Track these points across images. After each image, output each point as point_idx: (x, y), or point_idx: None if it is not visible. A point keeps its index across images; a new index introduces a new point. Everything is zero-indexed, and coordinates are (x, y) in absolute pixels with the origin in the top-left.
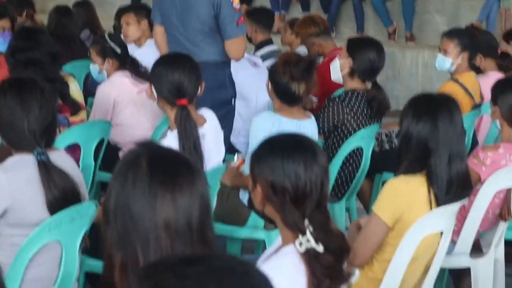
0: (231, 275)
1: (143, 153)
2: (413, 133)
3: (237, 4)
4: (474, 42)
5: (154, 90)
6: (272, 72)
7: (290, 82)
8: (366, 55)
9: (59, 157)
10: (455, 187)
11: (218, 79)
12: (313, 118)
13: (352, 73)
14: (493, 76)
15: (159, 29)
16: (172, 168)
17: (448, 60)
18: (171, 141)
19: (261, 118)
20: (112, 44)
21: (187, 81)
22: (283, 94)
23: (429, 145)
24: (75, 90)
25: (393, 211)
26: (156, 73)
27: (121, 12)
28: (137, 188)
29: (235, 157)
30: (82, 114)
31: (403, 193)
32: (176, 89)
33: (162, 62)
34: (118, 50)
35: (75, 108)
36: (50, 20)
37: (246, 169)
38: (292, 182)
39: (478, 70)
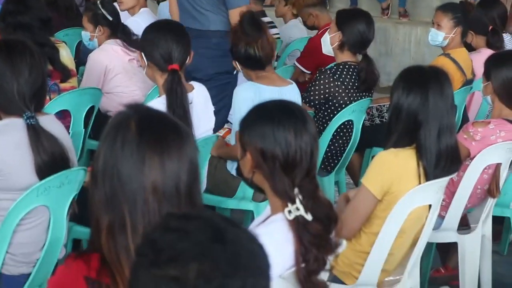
0: (229, 228)
1: (132, 116)
2: (403, 106)
3: None
4: (466, 18)
5: (144, 57)
6: (232, 46)
7: (248, 47)
8: (356, 27)
9: (49, 122)
10: (444, 161)
11: (221, 48)
12: (294, 84)
13: (342, 46)
14: (485, 53)
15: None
16: (161, 131)
17: (441, 34)
18: (158, 106)
19: (242, 88)
20: (104, 12)
21: (179, 47)
22: (248, 61)
23: (419, 118)
24: (66, 57)
25: (381, 183)
26: (147, 39)
27: None
28: (125, 150)
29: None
30: (73, 81)
31: (392, 165)
32: (167, 54)
33: (154, 28)
34: (110, 18)
35: (65, 74)
36: None
37: (232, 139)
38: (283, 149)
39: (469, 48)
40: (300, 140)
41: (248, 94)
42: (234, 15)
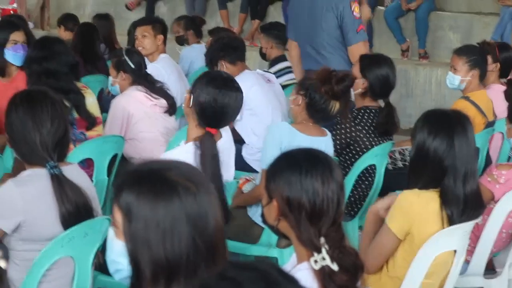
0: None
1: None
2: (428, 149)
3: (357, 13)
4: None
5: (192, 99)
6: (309, 88)
7: (328, 101)
8: (380, 74)
9: (72, 171)
10: (468, 206)
11: None
12: (329, 135)
13: (365, 93)
14: (495, 88)
15: (293, 44)
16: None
17: (457, 78)
18: (184, 153)
19: (276, 128)
20: (127, 58)
21: (228, 117)
22: (317, 111)
23: (445, 163)
24: (92, 103)
25: (403, 223)
26: (204, 90)
27: (137, 24)
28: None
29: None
30: (99, 129)
31: (414, 206)
32: (214, 119)
33: (215, 81)
34: (132, 65)
35: (90, 121)
36: (76, 34)
37: (249, 187)
38: (309, 198)
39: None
40: (327, 189)
41: (280, 134)
42: (352, 52)
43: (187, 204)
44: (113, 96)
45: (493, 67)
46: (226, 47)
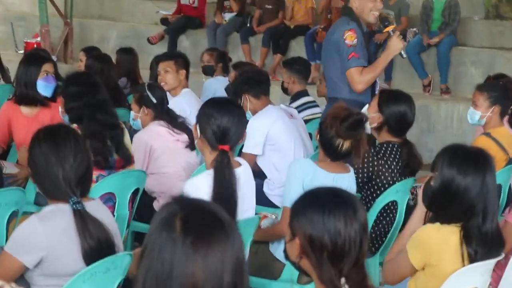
0: None
1: (178, 213)
2: (458, 188)
3: (349, 41)
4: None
5: (198, 129)
6: (321, 123)
7: (335, 138)
8: (396, 110)
9: (95, 207)
10: (489, 243)
11: None
12: (352, 172)
13: (380, 128)
14: None
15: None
16: (206, 225)
17: (477, 114)
18: (205, 178)
19: (298, 164)
20: (149, 94)
21: (234, 128)
22: (327, 147)
23: (475, 202)
24: (127, 140)
25: (420, 257)
26: (205, 113)
27: (159, 59)
28: (171, 246)
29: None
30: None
31: (433, 239)
32: (221, 133)
33: (214, 104)
34: (154, 100)
35: (127, 160)
36: (93, 67)
37: (267, 222)
38: (332, 238)
39: None
40: (350, 228)
41: (302, 171)
42: (347, 78)
43: (236, 248)
44: (135, 131)
45: None
46: (251, 81)
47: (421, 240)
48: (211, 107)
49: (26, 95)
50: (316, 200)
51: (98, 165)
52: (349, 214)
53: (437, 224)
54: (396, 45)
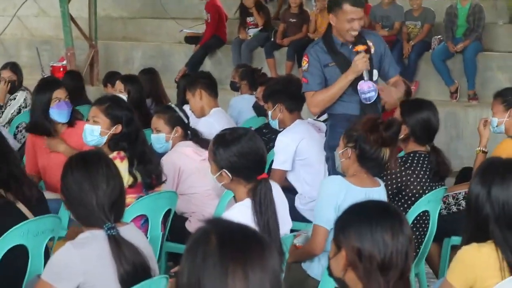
0: None
1: (212, 229)
2: (492, 202)
3: (303, 66)
4: None
5: (229, 174)
6: (358, 139)
7: (379, 149)
8: (420, 118)
9: (129, 231)
10: None
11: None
12: (382, 185)
13: (407, 138)
14: None
15: None
16: (242, 243)
17: (494, 120)
18: (242, 211)
19: (330, 182)
20: (181, 114)
21: (261, 152)
22: (369, 161)
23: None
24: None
25: (466, 280)
26: (229, 155)
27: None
28: (208, 264)
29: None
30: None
31: (476, 261)
32: (257, 164)
33: (229, 142)
34: (186, 120)
35: (159, 180)
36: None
37: (301, 239)
38: (380, 250)
39: None
40: (397, 241)
41: (335, 189)
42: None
43: (274, 263)
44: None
45: None
46: (291, 94)
47: (465, 262)
48: (230, 145)
49: (35, 125)
50: (363, 213)
51: (149, 186)
52: (396, 227)
53: (475, 244)
54: (357, 66)
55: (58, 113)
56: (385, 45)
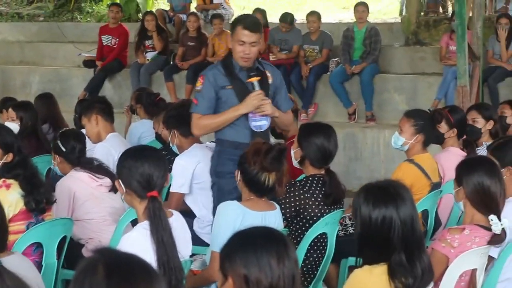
0: None
1: (99, 259)
2: (372, 224)
3: (196, 86)
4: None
5: (122, 185)
6: (242, 162)
7: (260, 173)
8: (314, 143)
9: (13, 261)
10: (422, 274)
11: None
12: (278, 209)
13: (302, 161)
14: (453, 151)
15: None
16: (130, 273)
17: (401, 140)
18: (141, 232)
19: (227, 208)
20: (59, 143)
21: (157, 173)
22: (253, 185)
23: (386, 235)
24: None
25: None
26: (124, 166)
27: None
28: None
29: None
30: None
31: (368, 284)
32: (146, 181)
33: (130, 155)
34: (63, 149)
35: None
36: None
37: (197, 264)
38: (267, 275)
39: (440, 140)
40: (283, 265)
41: (232, 216)
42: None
43: None
44: (60, 176)
45: (450, 133)
46: (182, 119)
47: (357, 285)
48: (128, 158)
49: None
50: (247, 240)
51: (42, 210)
52: (281, 251)
53: (366, 267)
54: (252, 103)
55: None
56: (281, 79)
